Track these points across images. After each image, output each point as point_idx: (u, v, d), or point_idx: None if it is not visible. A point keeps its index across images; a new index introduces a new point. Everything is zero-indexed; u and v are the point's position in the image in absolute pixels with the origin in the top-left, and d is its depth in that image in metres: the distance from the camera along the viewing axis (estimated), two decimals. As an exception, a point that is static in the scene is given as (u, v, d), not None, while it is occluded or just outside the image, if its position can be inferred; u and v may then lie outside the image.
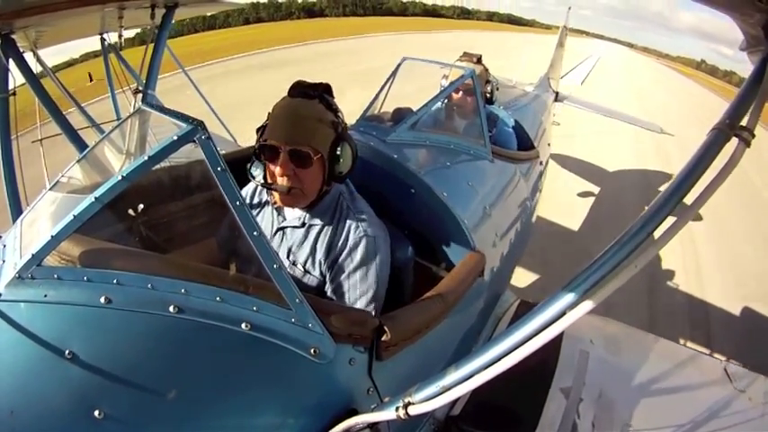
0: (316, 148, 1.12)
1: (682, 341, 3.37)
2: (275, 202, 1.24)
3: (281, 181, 1.12)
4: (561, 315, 0.75)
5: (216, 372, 0.87)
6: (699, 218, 5.09)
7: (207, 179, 0.86)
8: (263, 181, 1.18)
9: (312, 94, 1.14)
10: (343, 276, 1.18)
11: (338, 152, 1.15)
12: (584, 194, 6.16)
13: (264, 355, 0.90)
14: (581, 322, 0.74)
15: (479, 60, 2.39)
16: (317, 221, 1.22)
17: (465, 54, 2.46)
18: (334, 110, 1.18)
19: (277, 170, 1.12)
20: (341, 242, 1.19)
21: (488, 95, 2.37)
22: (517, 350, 0.77)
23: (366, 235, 1.17)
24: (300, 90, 1.15)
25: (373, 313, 1.13)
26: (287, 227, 1.26)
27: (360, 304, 1.17)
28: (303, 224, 1.23)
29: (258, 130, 1.18)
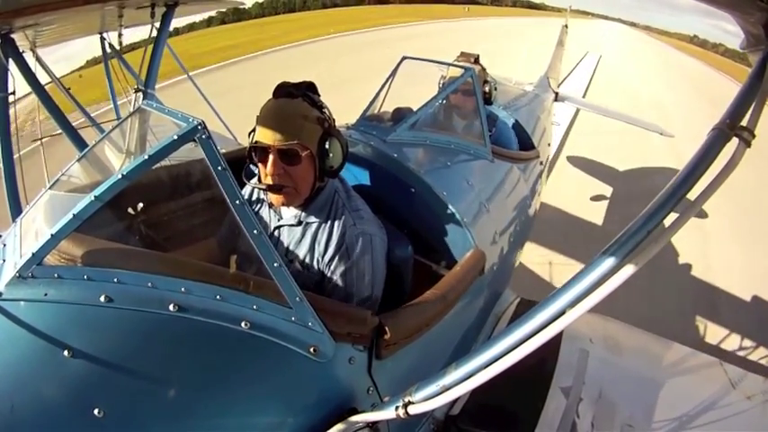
0: (304, 145, 1.13)
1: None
2: (271, 203, 1.25)
3: (273, 180, 1.14)
4: (561, 314, 0.75)
5: (215, 370, 0.87)
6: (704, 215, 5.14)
7: (207, 178, 0.86)
8: (257, 182, 1.19)
9: (296, 93, 1.16)
10: (339, 273, 1.18)
11: (327, 147, 1.16)
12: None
13: (264, 353, 0.90)
14: (581, 321, 0.74)
15: (477, 60, 2.38)
16: (314, 219, 1.22)
17: (462, 54, 2.45)
18: (320, 106, 1.19)
19: (268, 170, 1.13)
20: (338, 239, 1.19)
21: (486, 95, 2.37)
22: (517, 349, 0.77)
23: (362, 232, 1.18)
24: (284, 90, 1.17)
25: (370, 310, 1.14)
26: (284, 225, 1.26)
27: (356, 301, 1.17)
28: (299, 222, 1.24)
29: (250, 133, 1.19)
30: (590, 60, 15.13)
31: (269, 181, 1.14)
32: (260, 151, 1.14)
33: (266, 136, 1.13)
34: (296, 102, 1.15)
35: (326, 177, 1.22)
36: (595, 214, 5.43)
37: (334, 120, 1.23)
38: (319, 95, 1.22)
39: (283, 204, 1.21)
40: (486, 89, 2.34)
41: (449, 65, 2.19)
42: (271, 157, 1.13)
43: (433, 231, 1.58)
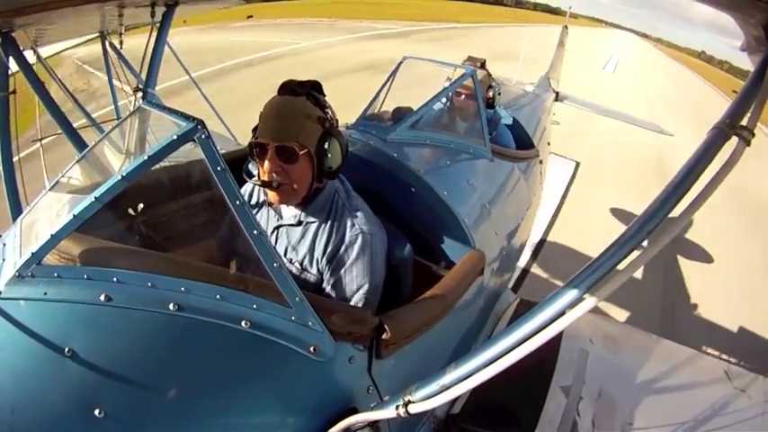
0: (302, 144, 1.13)
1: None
2: (271, 202, 1.25)
3: (270, 177, 1.14)
4: (561, 314, 0.76)
5: (215, 370, 0.87)
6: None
7: (207, 178, 0.86)
8: (255, 179, 1.20)
9: (300, 92, 1.16)
10: (339, 273, 1.19)
11: (326, 147, 1.16)
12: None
13: (264, 353, 0.90)
14: (580, 321, 0.75)
15: (483, 65, 2.40)
16: (313, 219, 1.22)
17: (469, 58, 2.48)
18: (323, 106, 1.18)
19: (266, 166, 1.13)
20: (337, 240, 1.19)
21: (490, 100, 2.38)
22: (517, 349, 0.77)
23: (362, 232, 1.18)
24: (289, 88, 1.17)
25: (370, 310, 1.14)
26: (284, 225, 1.26)
27: (356, 301, 1.18)
28: (299, 222, 1.24)
29: (253, 129, 1.20)
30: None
31: (266, 178, 1.15)
32: (260, 148, 1.15)
33: (266, 133, 1.13)
34: (299, 100, 1.15)
35: (325, 178, 1.21)
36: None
37: (337, 120, 1.23)
38: (324, 95, 1.22)
39: (280, 202, 1.21)
40: (491, 94, 2.36)
41: (450, 65, 2.20)
42: (269, 153, 1.13)
43: (433, 231, 1.58)
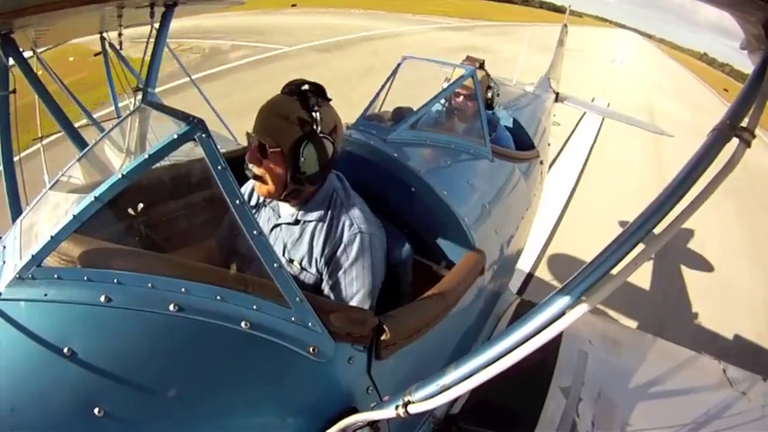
0: (276, 143, 1.15)
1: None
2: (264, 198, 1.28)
3: (252, 168, 1.18)
4: (561, 315, 0.75)
5: (215, 370, 0.87)
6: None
7: (207, 178, 0.86)
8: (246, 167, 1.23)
9: (293, 92, 1.17)
10: (338, 273, 1.19)
11: (300, 150, 1.15)
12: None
13: (264, 353, 0.90)
14: (580, 322, 0.75)
15: (482, 66, 2.40)
16: (311, 218, 1.23)
17: (468, 58, 2.47)
18: (311, 110, 1.16)
19: (247, 156, 1.18)
20: (336, 239, 1.20)
21: (489, 101, 2.38)
22: (517, 349, 0.77)
23: (360, 231, 1.18)
24: (288, 88, 1.18)
25: (369, 310, 1.14)
26: (281, 224, 1.27)
27: (355, 301, 1.18)
28: (297, 221, 1.24)
29: None
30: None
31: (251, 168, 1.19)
32: (251, 138, 1.19)
33: (254, 126, 1.18)
34: (288, 100, 1.16)
35: (305, 182, 1.19)
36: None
37: (337, 125, 1.21)
38: (328, 99, 1.21)
39: (260, 194, 1.23)
40: (489, 94, 2.36)
41: (450, 65, 2.19)
42: (252, 145, 1.17)
43: (433, 231, 1.58)
